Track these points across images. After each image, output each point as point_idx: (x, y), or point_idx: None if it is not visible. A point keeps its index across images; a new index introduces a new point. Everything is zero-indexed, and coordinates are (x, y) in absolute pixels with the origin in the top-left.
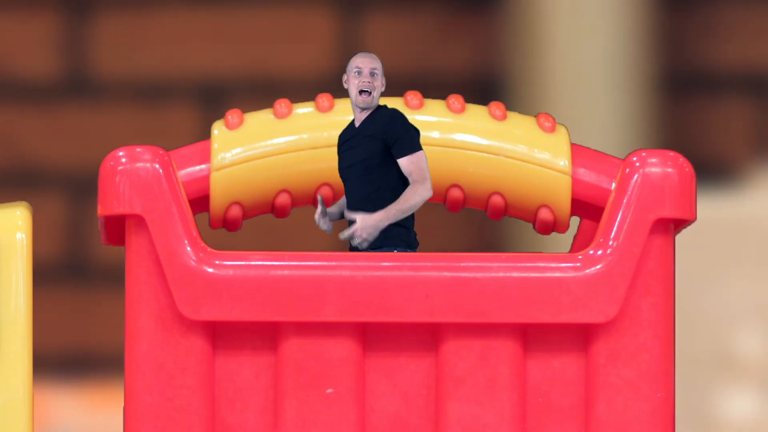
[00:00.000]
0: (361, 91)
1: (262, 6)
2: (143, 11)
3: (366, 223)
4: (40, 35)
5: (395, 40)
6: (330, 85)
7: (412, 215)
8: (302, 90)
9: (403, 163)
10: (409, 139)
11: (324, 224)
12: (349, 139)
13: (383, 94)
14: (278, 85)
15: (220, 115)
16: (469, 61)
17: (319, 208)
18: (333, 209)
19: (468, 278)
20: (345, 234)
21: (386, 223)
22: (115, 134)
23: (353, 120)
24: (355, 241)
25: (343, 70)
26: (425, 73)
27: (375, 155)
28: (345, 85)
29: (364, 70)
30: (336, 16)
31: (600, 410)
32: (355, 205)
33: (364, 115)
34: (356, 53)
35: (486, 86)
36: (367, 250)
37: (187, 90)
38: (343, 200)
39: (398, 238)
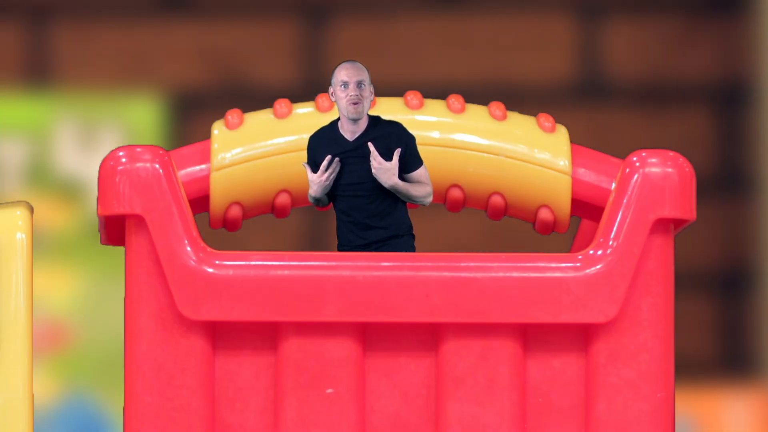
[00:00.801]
0: (351, 103)
1: (500, 13)
2: (381, 18)
3: (386, 166)
4: (280, 43)
5: (635, 45)
6: (570, 91)
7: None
8: (543, 97)
9: (413, 176)
10: (417, 152)
11: (322, 189)
12: (343, 152)
13: (386, 94)
14: (517, 93)
15: None
16: (712, 67)
17: (336, 169)
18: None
19: (468, 278)
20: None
21: (397, 185)
22: None
23: (336, 129)
24: (374, 164)
25: (582, 76)
26: (665, 80)
27: None
28: (332, 98)
29: (350, 83)
30: (576, 23)
31: (600, 410)
32: (366, 221)
33: (359, 128)
34: (341, 63)
35: (731, 94)
36: (382, 238)
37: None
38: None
39: (409, 227)
